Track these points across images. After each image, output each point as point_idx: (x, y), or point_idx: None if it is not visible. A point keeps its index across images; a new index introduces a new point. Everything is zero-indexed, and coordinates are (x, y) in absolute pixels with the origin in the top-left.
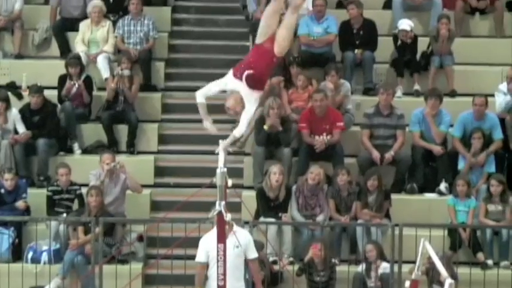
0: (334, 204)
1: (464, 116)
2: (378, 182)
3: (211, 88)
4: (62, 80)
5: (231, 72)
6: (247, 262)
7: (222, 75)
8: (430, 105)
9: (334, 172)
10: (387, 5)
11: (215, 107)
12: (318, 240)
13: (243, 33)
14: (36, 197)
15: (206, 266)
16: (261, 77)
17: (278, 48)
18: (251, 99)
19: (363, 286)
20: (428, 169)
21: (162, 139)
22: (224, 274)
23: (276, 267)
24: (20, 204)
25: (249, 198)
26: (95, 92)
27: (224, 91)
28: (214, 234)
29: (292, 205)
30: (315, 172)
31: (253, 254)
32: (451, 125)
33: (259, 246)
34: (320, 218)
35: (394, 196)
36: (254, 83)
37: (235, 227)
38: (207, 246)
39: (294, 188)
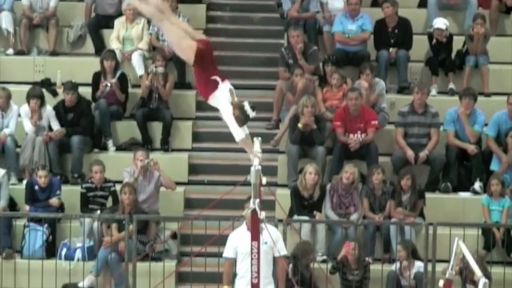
0: (368, 203)
1: (499, 115)
2: (412, 181)
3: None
4: (96, 77)
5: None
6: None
7: (256, 73)
8: (464, 104)
9: (369, 171)
10: (422, 4)
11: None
12: (351, 239)
13: (277, 31)
14: (70, 194)
15: (234, 262)
16: (199, 89)
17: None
18: (218, 103)
19: (396, 285)
20: (463, 168)
21: (196, 137)
22: (258, 272)
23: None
24: (53, 201)
25: (283, 196)
26: (129, 90)
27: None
28: (242, 230)
29: (326, 204)
30: (350, 171)
31: (281, 251)
32: (486, 125)
33: (309, 248)
34: (354, 216)
35: (428, 195)
36: (202, 95)
37: (263, 224)
38: (235, 242)
39: (328, 186)
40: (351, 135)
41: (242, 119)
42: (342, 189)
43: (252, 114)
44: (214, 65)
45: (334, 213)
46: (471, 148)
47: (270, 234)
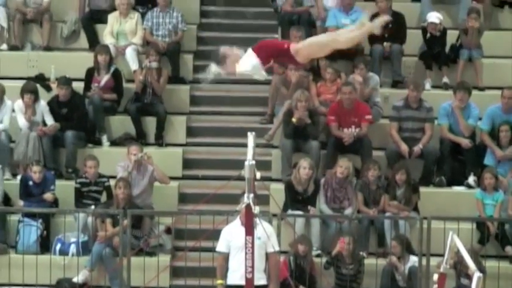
0: (362, 197)
1: (492, 109)
2: (406, 175)
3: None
4: (90, 73)
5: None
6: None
7: None
8: (458, 98)
9: (365, 166)
10: None
11: (244, 99)
12: (345, 233)
13: (271, 26)
14: (64, 189)
15: (227, 256)
16: (267, 52)
17: (299, 55)
18: (248, 61)
19: (391, 279)
20: (456, 162)
21: (190, 131)
22: (252, 267)
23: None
24: (48, 196)
25: (277, 191)
26: (123, 84)
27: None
28: (236, 224)
29: (320, 198)
30: (344, 165)
31: (274, 247)
32: (480, 119)
33: (307, 242)
34: (348, 211)
35: (422, 189)
36: (259, 51)
37: (257, 220)
38: (228, 237)
39: (322, 181)
40: (345, 129)
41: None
42: (336, 183)
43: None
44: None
45: (328, 207)
46: (465, 142)
47: (265, 229)
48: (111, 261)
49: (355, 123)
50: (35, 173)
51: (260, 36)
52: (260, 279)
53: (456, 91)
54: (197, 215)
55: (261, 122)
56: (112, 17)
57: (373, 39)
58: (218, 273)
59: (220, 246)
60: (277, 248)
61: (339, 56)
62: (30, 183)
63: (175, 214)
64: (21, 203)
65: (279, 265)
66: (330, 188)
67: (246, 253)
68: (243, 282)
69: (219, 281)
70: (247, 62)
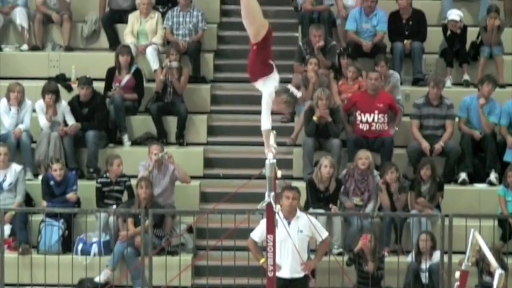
0: (383, 196)
1: (508, 104)
2: (432, 171)
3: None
4: (110, 73)
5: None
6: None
7: None
8: (484, 91)
9: (382, 170)
10: None
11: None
12: (367, 231)
13: (292, 24)
14: (85, 189)
15: (256, 244)
16: (252, 69)
17: (251, 36)
18: (264, 87)
19: (415, 277)
20: (477, 159)
21: (211, 130)
22: (274, 265)
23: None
24: (70, 196)
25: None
26: (144, 84)
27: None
28: (277, 218)
29: (342, 190)
30: (364, 156)
31: (322, 234)
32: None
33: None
34: (369, 207)
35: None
36: (252, 75)
37: (299, 213)
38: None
39: (344, 172)
40: (367, 115)
41: (292, 101)
42: (358, 174)
43: (298, 94)
44: (272, 51)
45: (350, 200)
46: (476, 134)
47: (305, 222)
48: (133, 260)
49: (378, 108)
50: (56, 171)
51: (280, 34)
52: (300, 272)
53: (484, 83)
54: (218, 214)
55: (282, 121)
56: (132, 17)
57: (394, 36)
58: (255, 253)
59: (255, 234)
60: (325, 235)
61: (359, 54)
62: (52, 183)
63: (197, 213)
64: (43, 203)
65: (329, 247)
66: (352, 179)
67: (267, 252)
68: (282, 275)
69: (262, 260)
70: (265, 88)
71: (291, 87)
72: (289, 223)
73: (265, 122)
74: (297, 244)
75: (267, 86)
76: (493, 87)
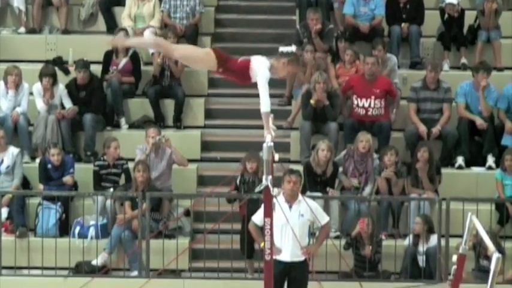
0: (381, 180)
1: (508, 88)
2: (429, 154)
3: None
4: (108, 56)
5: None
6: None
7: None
8: (479, 78)
9: (382, 152)
10: None
11: None
12: (365, 215)
13: (289, 7)
14: (82, 172)
15: (257, 227)
16: (239, 80)
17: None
18: (258, 76)
19: (412, 261)
20: (474, 143)
21: (209, 114)
22: (271, 248)
23: None
24: (67, 179)
25: None
26: (141, 67)
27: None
28: (280, 201)
29: (341, 170)
30: (365, 139)
31: (323, 219)
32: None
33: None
34: (367, 190)
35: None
36: (243, 82)
37: (301, 197)
38: None
39: (343, 152)
40: (363, 100)
41: (292, 58)
42: (358, 155)
43: (293, 48)
44: (232, 58)
45: (348, 180)
46: (480, 121)
47: (306, 206)
48: (130, 244)
49: (375, 94)
50: (54, 156)
51: (278, 18)
52: (300, 256)
53: (479, 71)
54: (216, 197)
55: (279, 104)
56: (130, 0)
57: (391, 20)
58: (256, 237)
59: (257, 217)
60: (325, 220)
61: (357, 37)
62: (49, 166)
63: (194, 196)
64: (40, 186)
65: (329, 232)
66: (352, 159)
67: (264, 235)
68: (282, 259)
69: (263, 243)
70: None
71: (282, 48)
72: (290, 207)
73: (265, 104)
74: (298, 228)
75: (260, 73)
76: (488, 74)
